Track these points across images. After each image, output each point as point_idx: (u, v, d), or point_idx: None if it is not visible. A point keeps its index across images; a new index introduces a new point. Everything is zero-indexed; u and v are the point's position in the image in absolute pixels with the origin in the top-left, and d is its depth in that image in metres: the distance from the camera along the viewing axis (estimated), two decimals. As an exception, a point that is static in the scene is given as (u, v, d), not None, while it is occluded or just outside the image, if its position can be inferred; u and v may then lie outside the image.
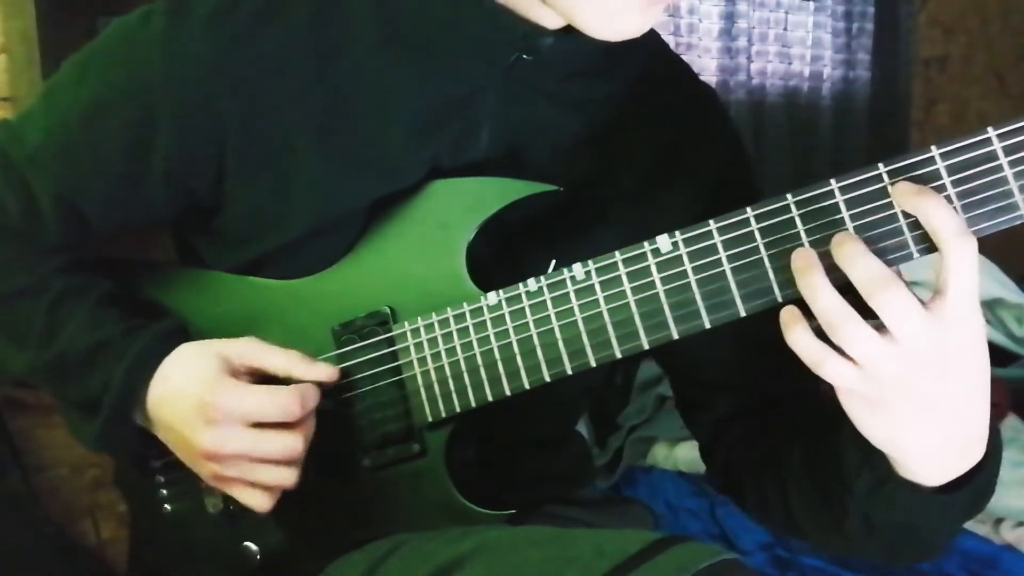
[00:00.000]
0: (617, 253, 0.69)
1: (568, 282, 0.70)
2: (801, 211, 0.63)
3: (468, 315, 0.74)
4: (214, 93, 0.74)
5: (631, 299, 0.68)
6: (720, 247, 0.65)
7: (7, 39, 1.42)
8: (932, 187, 0.59)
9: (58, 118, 0.79)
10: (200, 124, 0.75)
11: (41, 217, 0.81)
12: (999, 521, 1.53)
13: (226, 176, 0.77)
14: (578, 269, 0.70)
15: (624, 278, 0.69)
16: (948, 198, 0.59)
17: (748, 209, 0.64)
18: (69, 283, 0.83)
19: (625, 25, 0.68)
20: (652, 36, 0.84)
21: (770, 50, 2.77)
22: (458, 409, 0.75)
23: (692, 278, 0.66)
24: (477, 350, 0.74)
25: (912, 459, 0.64)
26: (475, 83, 0.75)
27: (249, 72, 0.74)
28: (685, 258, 0.66)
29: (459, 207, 0.76)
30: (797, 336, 0.60)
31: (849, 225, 0.62)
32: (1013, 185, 0.59)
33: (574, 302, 0.70)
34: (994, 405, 0.64)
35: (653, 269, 0.68)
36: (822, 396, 0.84)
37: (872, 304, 0.58)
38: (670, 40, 2.54)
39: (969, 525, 1.52)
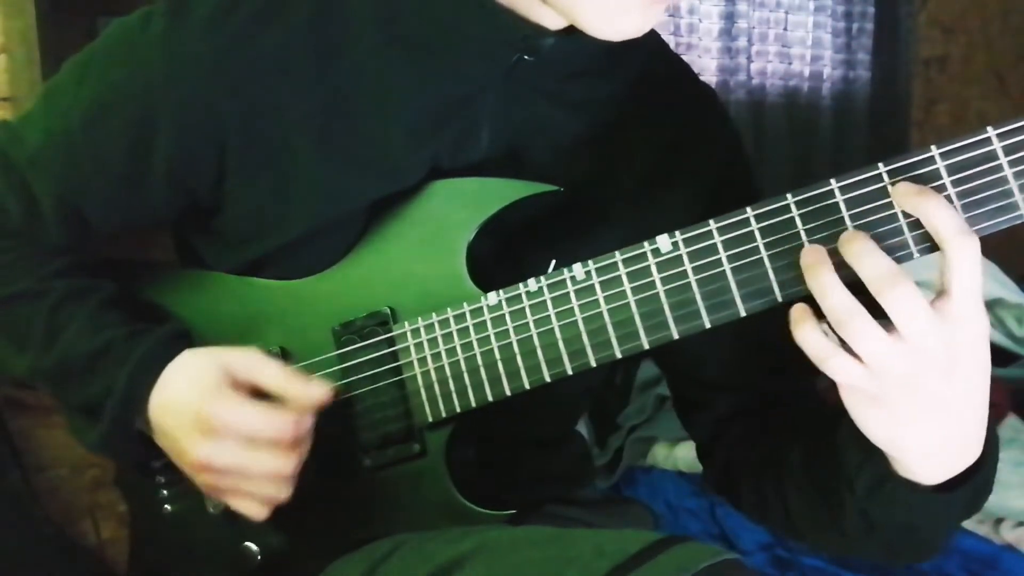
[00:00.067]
0: (617, 253, 0.69)
1: (568, 282, 0.71)
2: (801, 211, 0.63)
3: (468, 315, 0.74)
4: (214, 93, 0.74)
5: (631, 299, 0.68)
6: (720, 247, 0.65)
7: (7, 39, 1.41)
8: (932, 187, 0.60)
9: (58, 119, 0.79)
10: (200, 124, 0.75)
11: (42, 218, 0.81)
12: (999, 521, 1.53)
13: (226, 176, 0.77)
14: (578, 269, 0.70)
15: (624, 278, 0.69)
16: (948, 198, 0.59)
17: (748, 209, 0.64)
18: (70, 286, 0.83)
19: (626, 25, 0.68)
20: (652, 36, 0.84)
21: (770, 50, 2.78)
22: (458, 409, 0.75)
23: (692, 278, 0.66)
24: (477, 350, 0.74)
25: (913, 458, 0.64)
26: (475, 83, 0.75)
27: (249, 72, 0.74)
28: (685, 258, 0.67)
29: (459, 207, 0.76)
30: (805, 332, 0.60)
31: (849, 225, 0.62)
32: (1013, 185, 0.59)
33: (574, 302, 0.70)
34: (994, 405, 0.64)
35: (653, 269, 0.68)
36: (821, 396, 0.85)
37: (881, 300, 0.58)
38: (670, 40, 2.54)
39: (969, 525, 1.52)
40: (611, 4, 0.67)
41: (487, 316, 0.73)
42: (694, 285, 0.66)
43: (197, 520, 0.85)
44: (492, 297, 0.73)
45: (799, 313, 0.61)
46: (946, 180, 0.60)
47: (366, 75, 0.75)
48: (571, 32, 0.72)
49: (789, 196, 0.63)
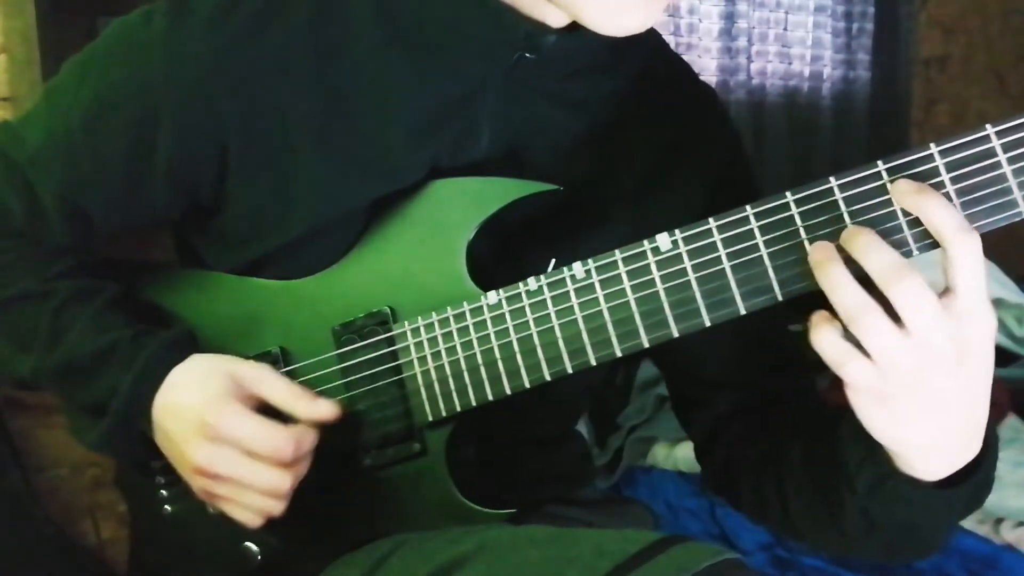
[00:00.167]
0: (617, 252, 0.69)
1: (568, 281, 0.71)
2: (801, 209, 0.63)
3: (468, 314, 0.74)
4: (214, 93, 0.74)
5: (631, 298, 0.68)
6: (720, 245, 0.65)
7: (7, 39, 1.42)
8: (931, 184, 0.60)
9: (59, 119, 0.79)
10: (201, 124, 0.75)
11: (45, 217, 0.81)
12: (999, 521, 1.53)
13: (227, 176, 0.77)
14: (578, 268, 0.70)
15: (624, 277, 0.69)
16: (947, 195, 0.59)
17: (748, 207, 0.64)
18: (74, 286, 0.83)
19: (628, 21, 0.68)
20: (653, 35, 0.85)
21: (770, 50, 2.78)
22: (458, 408, 0.75)
23: (692, 276, 0.66)
24: (477, 349, 0.74)
25: (916, 454, 0.64)
26: (475, 83, 0.75)
27: (249, 72, 0.74)
28: (685, 256, 0.67)
29: (459, 207, 0.76)
30: (824, 336, 0.59)
31: (849, 223, 0.62)
32: (1012, 182, 0.59)
33: (574, 301, 0.70)
34: (994, 404, 0.64)
35: (653, 268, 0.68)
36: (822, 396, 0.85)
37: (889, 294, 0.58)
38: (670, 40, 2.54)
39: (969, 525, 1.52)
40: (613, 0, 0.67)
41: (487, 315, 0.73)
42: (694, 283, 0.66)
43: (197, 520, 0.85)
44: (492, 296, 0.73)
45: (819, 318, 0.60)
46: (945, 178, 0.60)
47: (366, 75, 0.75)
48: (573, 29, 0.72)
49: (788, 194, 0.63)
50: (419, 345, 0.76)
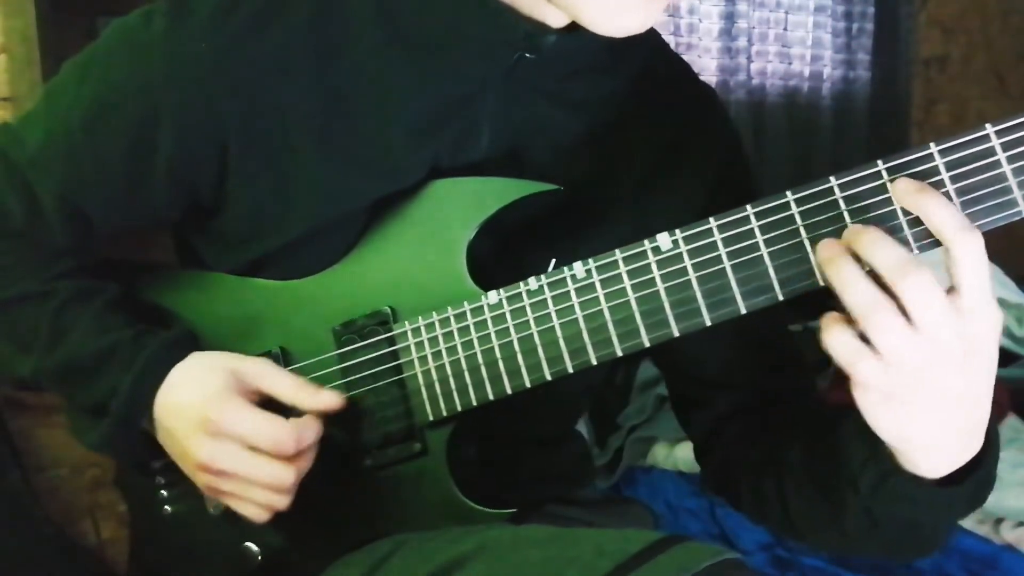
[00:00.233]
0: (617, 251, 0.69)
1: (568, 280, 0.71)
2: (801, 208, 0.63)
3: (469, 314, 0.74)
4: (214, 93, 0.74)
5: (632, 297, 0.68)
6: (720, 244, 0.65)
7: (7, 39, 1.42)
8: (930, 183, 0.60)
9: (59, 119, 0.79)
10: (201, 124, 0.75)
11: (45, 218, 0.81)
12: (999, 521, 1.53)
13: (227, 176, 0.77)
14: (578, 268, 0.70)
15: (624, 276, 0.69)
16: (947, 195, 0.59)
17: (748, 207, 0.65)
18: (75, 287, 0.83)
19: (628, 21, 0.68)
20: (653, 35, 0.85)
21: (770, 50, 2.78)
22: (459, 408, 0.75)
23: (692, 276, 0.66)
24: (478, 349, 0.74)
25: (920, 453, 0.64)
26: (476, 83, 0.75)
27: (249, 72, 0.74)
28: (685, 256, 0.67)
29: (459, 207, 0.76)
30: (837, 336, 0.59)
31: (849, 222, 0.62)
32: (1011, 181, 0.59)
33: (575, 300, 0.70)
34: (994, 404, 0.64)
35: (653, 267, 0.68)
36: (822, 396, 0.85)
37: (897, 290, 0.57)
38: (670, 40, 2.54)
39: (969, 525, 1.52)
40: (613, 1, 0.67)
41: (487, 315, 0.73)
42: (694, 283, 0.66)
43: (197, 520, 0.85)
44: (492, 296, 0.73)
45: (831, 319, 0.60)
46: (944, 177, 0.60)
47: (366, 75, 0.75)
48: (573, 29, 0.72)
49: (789, 194, 0.64)
50: (420, 345, 0.76)
